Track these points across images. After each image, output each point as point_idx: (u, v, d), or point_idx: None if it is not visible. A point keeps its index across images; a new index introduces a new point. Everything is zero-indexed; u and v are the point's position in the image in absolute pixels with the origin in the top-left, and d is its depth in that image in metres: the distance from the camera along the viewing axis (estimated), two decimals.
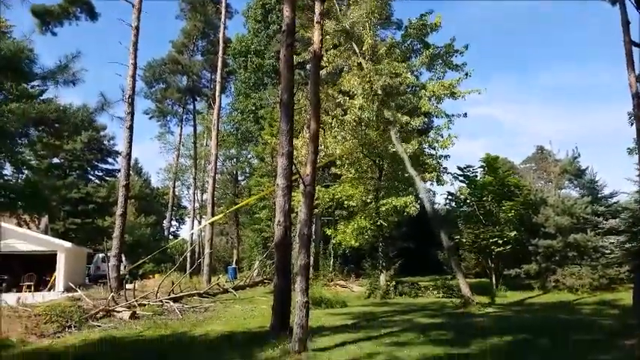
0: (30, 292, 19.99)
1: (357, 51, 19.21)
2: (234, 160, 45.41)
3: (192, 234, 43.07)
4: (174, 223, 60.16)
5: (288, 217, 11.08)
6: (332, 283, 21.67)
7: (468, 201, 22.41)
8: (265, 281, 26.00)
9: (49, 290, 21.22)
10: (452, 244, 18.53)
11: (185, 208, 60.60)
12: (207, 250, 25.93)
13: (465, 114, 20.02)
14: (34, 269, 22.52)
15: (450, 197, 23.87)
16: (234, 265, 35.39)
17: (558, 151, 39.44)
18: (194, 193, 42.22)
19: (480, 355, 8.32)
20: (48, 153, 37.96)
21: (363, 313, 13.91)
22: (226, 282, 25.17)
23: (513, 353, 8.51)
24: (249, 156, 43.51)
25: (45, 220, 35.95)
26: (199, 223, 45.92)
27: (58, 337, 11.16)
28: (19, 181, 29.43)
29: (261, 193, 30.45)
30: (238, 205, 35.12)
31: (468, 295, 15.61)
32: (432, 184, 21.57)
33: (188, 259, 29.88)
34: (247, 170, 44.73)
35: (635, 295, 9.74)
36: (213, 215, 26.76)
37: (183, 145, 49.45)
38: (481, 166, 23.15)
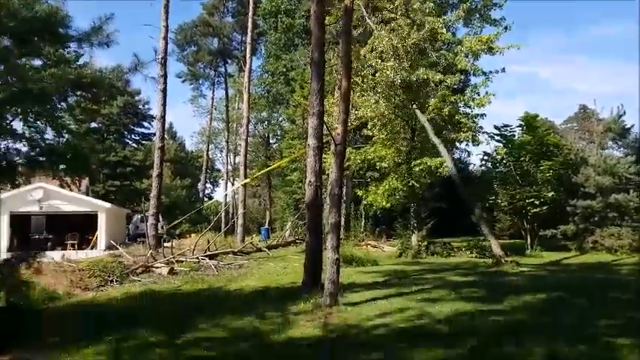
0: (74, 249, 21.02)
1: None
2: (266, 122, 45.52)
3: (226, 195, 43.97)
4: (208, 185, 61.47)
5: (319, 177, 11.10)
6: (363, 243, 21.82)
7: (504, 161, 21.83)
8: (297, 241, 26.44)
9: (92, 248, 22.25)
10: (479, 207, 18.21)
11: (219, 170, 61.69)
12: (240, 211, 26.47)
13: (504, 69, 19.29)
14: (77, 229, 23.59)
15: (485, 157, 23.31)
16: (266, 226, 36.07)
17: (602, 109, 37.80)
18: (227, 156, 42.87)
19: (512, 312, 8.28)
20: (86, 117, 38.86)
21: (394, 271, 14.01)
22: (259, 242, 25.76)
23: (547, 311, 8.42)
24: (280, 119, 43.49)
25: (85, 182, 37.30)
26: (232, 185, 46.78)
27: (101, 290, 11.80)
28: (61, 144, 30.61)
29: (292, 155, 30.57)
30: (270, 168, 35.45)
31: (500, 254, 15.46)
32: (467, 144, 21.08)
33: (222, 219, 30.60)
34: (279, 133, 44.81)
35: None
36: (245, 177, 27.15)
37: (215, 109, 49.82)
38: (519, 125, 22.38)
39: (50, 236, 23.41)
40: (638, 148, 21.82)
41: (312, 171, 10.95)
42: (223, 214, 31.65)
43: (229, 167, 45.72)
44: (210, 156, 54.35)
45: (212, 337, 7.21)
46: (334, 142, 9.71)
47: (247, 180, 28.17)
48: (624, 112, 22.92)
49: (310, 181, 10.93)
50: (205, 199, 56.85)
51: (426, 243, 18.42)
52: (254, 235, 28.33)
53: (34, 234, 24.00)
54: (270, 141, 46.94)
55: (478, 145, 20.18)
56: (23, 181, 26.87)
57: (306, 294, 9.78)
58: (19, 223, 23.21)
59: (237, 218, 26.79)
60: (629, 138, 22.67)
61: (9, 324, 7.05)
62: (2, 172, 8.97)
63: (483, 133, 21.34)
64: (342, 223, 21.96)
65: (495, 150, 22.30)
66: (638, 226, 19.15)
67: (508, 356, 5.97)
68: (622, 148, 23.12)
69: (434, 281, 11.72)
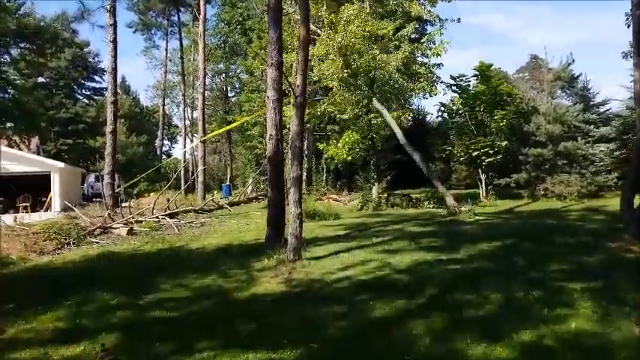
0: (27, 212, 20.20)
1: None
2: (223, 75, 44.14)
3: (185, 152, 42.98)
4: (165, 142, 59.87)
5: (280, 130, 10.93)
6: (325, 197, 22.00)
7: (460, 112, 22.17)
8: (259, 197, 26.38)
9: (46, 210, 21.44)
10: (425, 162, 18.58)
11: (176, 126, 59.92)
12: (200, 168, 26.00)
13: (459, 19, 19.15)
14: (29, 190, 22.57)
15: (442, 108, 23.58)
16: (228, 183, 35.72)
17: (552, 59, 38.53)
18: (184, 111, 41.56)
19: (469, 260, 8.61)
20: (32, 71, 36.58)
21: (355, 224, 14.23)
22: (221, 199, 25.52)
23: (500, 257, 8.80)
24: (238, 71, 42.27)
25: (35, 141, 35.59)
26: (191, 141, 45.66)
27: (58, 253, 11.43)
28: (6, 101, 28.79)
29: (251, 115, 29.88)
30: (229, 127, 34.68)
31: (454, 205, 15.94)
32: (424, 94, 21.18)
33: (182, 177, 30.00)
34: (237, 86, 43.67)
35: (624, 200, 9.90)
36: (204, 133, 26.48)
37: (170, 61, 47.76)
38: (474, 75, 22.58)
39: (1, 199, 22.31)
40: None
41: (272, 124, 10.75)
42: (183, 171, 30.94)
43: (187, 122, 44.43)
44: (167, 111, 52.69)
45: (175, 298, 7.16)
46: (294, 95, 9.48)
47: (206, 137, 27.48)
48: (573, 61, 23.53)
49: (271, 135, 10.76)
50: (163, 156, 55.50)
51: (386, 195, 18.73)
52: (215, 193, 28.02)
53: None
54: (229, 94, 45.75)
55: (435, 95, 20.31)
56: None
57: (269, 250, 9.80)
58: None
59: (197, 175, 26.32)
60: (577, 87, 23.34)
61: None
62: None
63: (440, 83, 21.43)
64: (304, 177, 21.94)
65: (452, 100, 22.56)
66: (585, 173, 20.06)
67: (466, 303, 6.21)
68: (570, 97, 23.84)
69: (394, 232, 11.98)
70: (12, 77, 29.21)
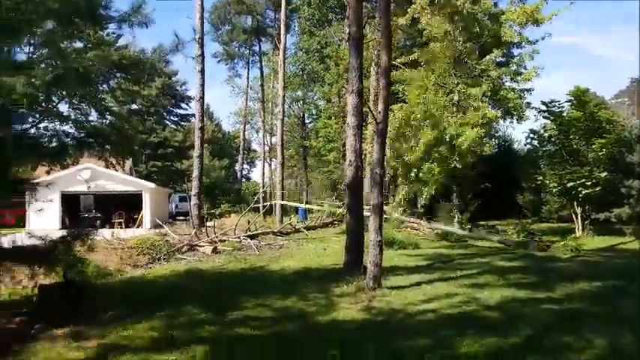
0: (121, 228, 21.70)
1: None
2: (301, 102, 45.41)
3: (264, 176, 44.32)
4: (245, 166, 62.23)
5: (359, 156, 10.89)
6: (402, 226, 21.50)
7: (552, 139, 20.84)
8: (335, 222, 26.34)
9: (138, 227, 22.94)
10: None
11: (255, 151, 62.26)
12: (278, 192, 26.60)
13: (550, 35, 18.14)
14: (123, 208, 24.35)
15: (532, 135, 22.31)
16: (303, 207, 36.19)
17: None
18: (263, 136, 43.06)
19: (567, 300, 7.92)
20: (127, 99, 39.83)
21: (437, 254, 13.72)
22: (297, 222, 25.84)
23: (604, 299, 8.02)
24: (315, 97, 43.27)
25: (129, 163, 38.46)
26: (270, 165, 47.02)
27: (150, 267, 12.13)
28: (104, 126, 31.50)
29: (327, 140, 30.00)
30: None
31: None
32: (511, 121, 20.24)
33: (261, 200, 30.84)
34: (314, 112, 44.66)
35: None
36: (283, 158, 27.11)
37: (251, 88, 49.92)
38: (568, 101, 21.18)
39: (99, 215, 24.25)
40: None
41: (352, 150, 10.74)
42: (262, 195, 31.91)
43: (266, 147, 45.92)
44: (247, 136, 54.86)
45: (258, 317, 7.24)
46: (375, 121, 9.44)
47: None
48: None
49: (350, 161, 10.74)
50: (243, 179, 57.66)
51: (469, 226, 17.93)
52: (292, 216, 28.43)
53: (83, 213, 24.93)
54: (306, 121, 46.87)
55: (525, 121, 19.30)
56: (72, 162, 27.89)
57: (347, 276, 9.68)
58: (69, 202, 24.15)
59: (275, 199, 26.94)
60: None
61: (66, 299, 7.29)
62: (53, 153, 9.18)
63: (530, 108, 20.37)
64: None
65: (543, 127, 21.31)
66: None
67: (566, 346, 5.68)
68: None
69: (480, 266, 11.38)
70: (110, 104, 31.97)
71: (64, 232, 7.71)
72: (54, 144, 8.72)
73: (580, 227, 19.85)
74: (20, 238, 7.58)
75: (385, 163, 9.40)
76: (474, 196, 19.10)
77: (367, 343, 5.90)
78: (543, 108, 21.26)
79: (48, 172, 24.90)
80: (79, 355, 5.45)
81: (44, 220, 18.53)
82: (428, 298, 8.14)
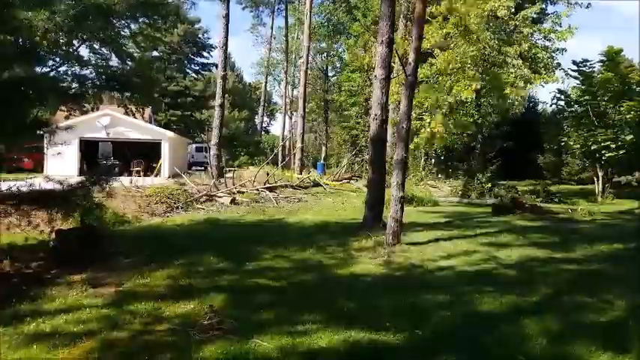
0: (139, 176, 21.96)
1: None
2: (325, 54, 44.39)
3: (284, 129, 44.06)
4: (265, 118, 61.93)
5: (385, 110, 10.67)
6: (422, 183, 21.33)
7: (580, 100, 20.11)
8: (353, 178, 26.32)
9: (156, 176, 23.17)
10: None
11: (276, 103, 61.75)
12: (298, 145, 26.49)
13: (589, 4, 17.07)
14: (142, 156, 24.52)
15: (559, 95, 21.55)
16: (322, 162, 36.14)
17: None
18: (285, 88, 42.43)
19: (586, 261, 7.83)
20: (148, 45, 39.35)
21: (456, 212, 13.63)
22: (316, 177, 25.85)
23: (624, 261, 7.90)
24: (339, 49, 42.23)
25: (149, 111, 38.56)
26: (290, 118, 46.66)
27: (167, 216, 12.29)
28: (125, 72, 31.37)
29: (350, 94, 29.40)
30: None
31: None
32: (542, 81, 19.45)
33: (279, 152, 30.81)
34: (338, 65, 43.72)
35: None
36: (304, 110, 26.78)
37: (274, 39, 48.88)
38: (600, 61, 20.30)
39: (117, 162, 24.42)
40: None
41: (378, 103, 10.50)
42: (281, 148, 31.83)
43: (287, 100, 45.40)
44: (268, 88, 54.19)
45: (276, 267, 7.32)
46: (405, 73, 9.13)
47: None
48: None
49: (375, 115, 10.52)
50: (262, 132, 57.52)
51: (490, 185, 17.64)
52: (311, 170, 28.43)
53: (102, 160, 25.21)
54: (329, 74, 46.00)
55: (555, 82, 18.51)
56: (91, 108, 28.09)
57: (367, 231, 9.69)
58: (88, 148, 24.38)
59: (295, 152, 26.86)
60: None
61: (84, 244, 7.42)
62: (73, 96, 9.16)
63: (561, 69, 19.57)
64: None
65: (572, 88, 20.54)
66: None
67: (585, 307, 5.63)
68: None
69: (499, 225, 11.27)
70: (131, 50, 31.63)
71: (82, 178, 7.74)
72: (74, 87, 8.68)
73: (600, 190, 19.48)
74: (38, 182, 7.60)
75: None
76: (496, 155, 18.67)
77: (385, 297, 5.91)
78: (574, 68, 20.43)
79: (67, 117, 25.30)
80: (95, 301, 5.53)
81: (62, 165, 18.72)
82: (446, 255, 8.12)
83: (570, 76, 20.18)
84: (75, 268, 6.83)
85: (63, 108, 32.58)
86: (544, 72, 17.64)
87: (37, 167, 23.67)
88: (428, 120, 17.23)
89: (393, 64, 11.50)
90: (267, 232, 10.17)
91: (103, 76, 18.84)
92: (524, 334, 4.80)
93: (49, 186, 7.56)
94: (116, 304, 5.50)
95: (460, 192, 17.73)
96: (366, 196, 10.72)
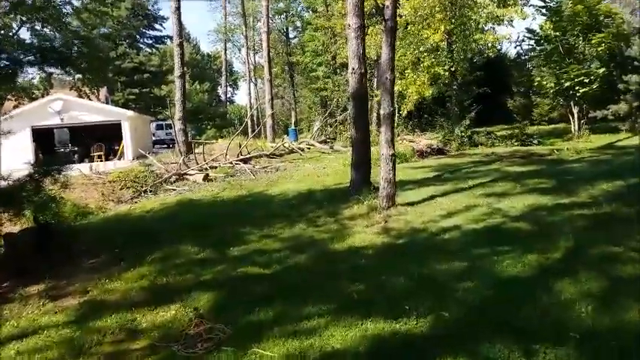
0: (101, 161, 20.56)
1: None
2: (284, 15, 42.43)
3: (250, 97, 42.43)
4: (229, 89, 59.71)
5: (364, 62, 9.73)
6: (399, 138, 20.59)
7: (549, 37, 19.50)
8: (328, 140, 25.42)
9: (119, 159, 21.76)
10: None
11: (237, 72, 59.50)
12: (268, 111, 25.23)
13: None
14: (102, 140, 22.94)
15: (528, 35, 20.88)
16: (293, 127, 34.99)
17: None
18: (247, 54, 40.53)
19: (595, 203, 7.26)
20: (95, 22, 36.71)
21: (441, 165, 12.98)
22: (288, 143, 24.81)
23: (630, 197, 7.39)
24: (299, 8, 40.43)
25: (104, 91, 36.33)
26: (255, 85, 44.95)
27: (135, 202, 11.20)
28: (72, 52, 29.20)
29: (315, 54, 28.16)
30: None
31: None
32: (510, 21, 18.68)
33: (249, 122, 29.51)
34: (299, 25, 41.94)
35: None
36: (270, 75, 25.46)
37: (229, 2, 46.37)
38: None
39: (75, 149, 22.86)
40: None
41: (354, 56, 9.54)
42: (249, 116, 30.45)
43: (250, 67, 43.55)
44: (229, 56, 51.88)
45: (265, 250, 6.50)
46: (383, 18, 8.15)
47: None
48: None
49: (353, 69, 9.57)
50: (227, 103, 55.55)
51: (469, 133, 17.03)
52: (285, 137, 27.34)
53: (59, 147, 23.51)
54: (290, 35, 44.16)
55: (525, 19, 17.74)
56: (41, 94, 26.14)
57: (356, 195, 8.93)
58: (43, 137, 22.61)
59: (265, 120, 25.66)
60: None
61: (40, 247, 6.42)
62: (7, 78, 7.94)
63: (529, 6, 18.77)
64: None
65: (541, 25, 19.87)
66: None
67: (616, 258, 5.05)
68: None
69: (491, 173, 10.66)
70: (75, 29, 29.38)
71: (30, 170, 6.66)
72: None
73: (576, 127, 19.22)
74: None
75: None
76: (472, 103, 18.00)
77: (393, 272, 5.19)
78: (541, 4, 19.70)
79: (16, 107, 23.37)
80: (55, 319, 4.63)
81: (15, 158, 17.19)
82: (447, 213, 7.45)
83: (540, 12, 19.45)
84: (30, 277, 5.88)
85: (10, 97, 30.46)
86: (513, 7, 16.73)
87: None
88: (412, 76, 16.34)
89: None
90: (249, 209, 9.25)
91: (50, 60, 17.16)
92: (563, 302, 4.17)
93: None
94: (81, 319, 4.63)
95: (440, 144, 17.10)
96: (350, 157, 9.88)
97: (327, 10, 29.13)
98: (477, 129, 18.50)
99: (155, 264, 6.10)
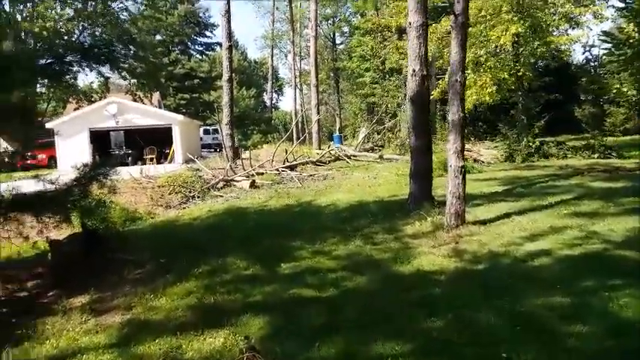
0: (153, 164, 20.57)
1: None
2: (330, 20, 41.99)
3: (296, 103, 42.07)
4: (274, 95, 59.86)
5: (425, 63, 8.89)
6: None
7: (631, 41, 17.83)
8: (375, 148, 24.52)
9: (170, 162, 21.74)
10: None
11: (283, 78, 59.58)
12: (314, 117, 24.61)
13: None
14: (154, 143, 23.06)
15: (603, 38, 19.23)
16: (338, 133, 34.26)
17: None
18: (293, 58, 40.21)
19: None
20: (150, 27, 37.68)
21: (510, 177, 11.82)
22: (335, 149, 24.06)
23: None
24: (347, 13, 39.86)
25: (157, 96, 37.09)
26: (300, 91, 44.61)
27: (184, 207, 10.75)
28: (129, 57, 29.99)
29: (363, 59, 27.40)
30: None
31: None
32: (585, 23, 17.15)
33: (294, 127, 29.00)
34: (346, 30, 41.37)
35: None
36: (317, 80, 24.88)
37: (277, 9, 46.44)
38: None
39: (129, 151, 23.10)
40: None
41: (415, 56, 8.71)
42: (295, 122, 29.94)
43: (296, 72, 43.33)
44: (275, 62, 51.96)
45: (318, 268, 5.75)
46: (454, 13, 7.29)
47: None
48: None
49: (414, 70, 8.73)
50: (272, 109, 55.66)
51: (537, 143, 15.63)
52: (331, 144, 26.66)
53: (114, 149, 23.87)
54: (337, 41, 43.64)
55: (606, 20, 16.16)
56: (99, 97, 26.92)
57: (416, 210, 8.07)
58: (100, 139, 23.00)
59: (312, 125, 25.05)
60: None
61: (86, 253, 5.95)
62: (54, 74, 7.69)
63: (608, 7, 17.22)
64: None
65: (620, 27, 18.23)
66: None
67: None
68: None
69: (573, 189, 9.44)
70: (134, 35, 30.20)
71: (77, 174, 6.23)
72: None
73: None
74: (29, 184, 6.18)
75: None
76: (542, 111, 16.56)
77: (477, 306, 4.31)
78: (621, 6, 18.05)
79: (76, 109, 23.88)
80: (97, 340, 4.09)
81: (75, 159, 17.38)
82: (530, 235, 6.45)
83: (621, 14, 17.82)
84: (76, 287, 5.42)
85: (71, 100, 31.65)
86: (591, 6, 15.23)
87: (52, 163, 22.61)
88: (473, 77, 15.20)
89: None
90: (298, 220, 8.56)
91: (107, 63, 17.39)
92: None
93: (41, 187, 6.11)
94: (123, 342, 4.05)
95: (504, 154, 15.80)
96: (410, 167, 9.01)
97: (377, 15, 28.30)
98: (546, 139, 17.06)
99: (202, 279, 5.49)
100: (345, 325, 4.11)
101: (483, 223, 7.21)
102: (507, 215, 7.56)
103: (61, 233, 7.06)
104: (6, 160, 6.02)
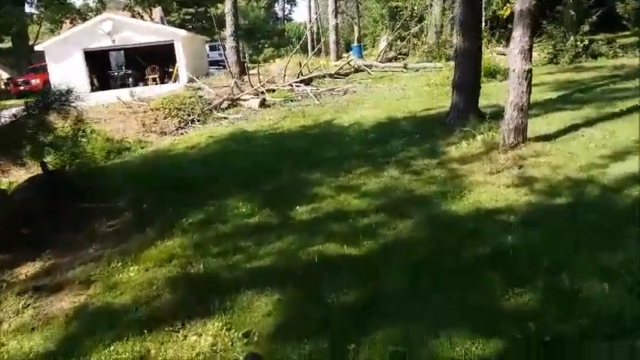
0: (156, 84, 19.00)
1: None
2: None
3: (310, 12, 38.80)
4: (286, 5, 55.81)
5: None
6: (488, 51, 17.23)
7: None
8: (399, 57, 22.26)
9: (174, 82, 20.08)
10: None
11: None
12: (332, 23, 22.10)
13: None
14: (155, 62, 21.23)
15: None
16: (356, 43, 31.60)
17: None
18: None
19: None
20: None
21: (560, 82, 10.00)
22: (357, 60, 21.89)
23: None
24: None
25: (158, 11, 34.47)
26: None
27: (181, 133, 9.32)
28: None
29: None
30: None
31: None
32: None
33: (308, 35, 26.54)
34: None
35: None
36: None
37: None
38: None
39: (129, 72, 21.36)
40: None
41: None
42: (309, 32, 27.36)
43: None
44: None
45: (345, 211, 4.42)
46: None
47: None
48: None
49: None
50: (285, 21, 52.17)
51: (586, 42, 13.47)
52: (350, 54, 24.40)
53: (114, 71, 22.16)
54: None
55: None
56: (94, 15, 24.74)
57: (460, 126, 6.55)
58: (97, 60, 21.22)
59: (328, 34, 22.67)
60: None
61: (47, 203, 4.72)
62: None
63: None
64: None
65: None
66: None
67: None
68: None
69: None
70: None
71: (24, 104, 4.87)
72: None
73: None
74: None
75: None
76: (594, 5, 14.09)
77: (578, 261, 2.97)
78: None
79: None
80: (29, 345, 2.88)
81: (70, 82, 15.93)
82: (612, 153, 4.98)
83: None
84: (27, 249, 4.22)
85: (65, 20, 29.52)
86: None
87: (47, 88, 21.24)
88: None
89: None
90: (316, 145, 7.10)
91: None
92: None
93: None
94: (62, 349, 2.83)
95: (548, 56, 13.72)
96: (454, 73, 7.33)
97: None
98: (594, 37, 14.78)
99: (191, 233, 4.21)
100: (392, 306, 2.84)
101: (547, 139, 5.72)
102: (574, 127, 6.05)
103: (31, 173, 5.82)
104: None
